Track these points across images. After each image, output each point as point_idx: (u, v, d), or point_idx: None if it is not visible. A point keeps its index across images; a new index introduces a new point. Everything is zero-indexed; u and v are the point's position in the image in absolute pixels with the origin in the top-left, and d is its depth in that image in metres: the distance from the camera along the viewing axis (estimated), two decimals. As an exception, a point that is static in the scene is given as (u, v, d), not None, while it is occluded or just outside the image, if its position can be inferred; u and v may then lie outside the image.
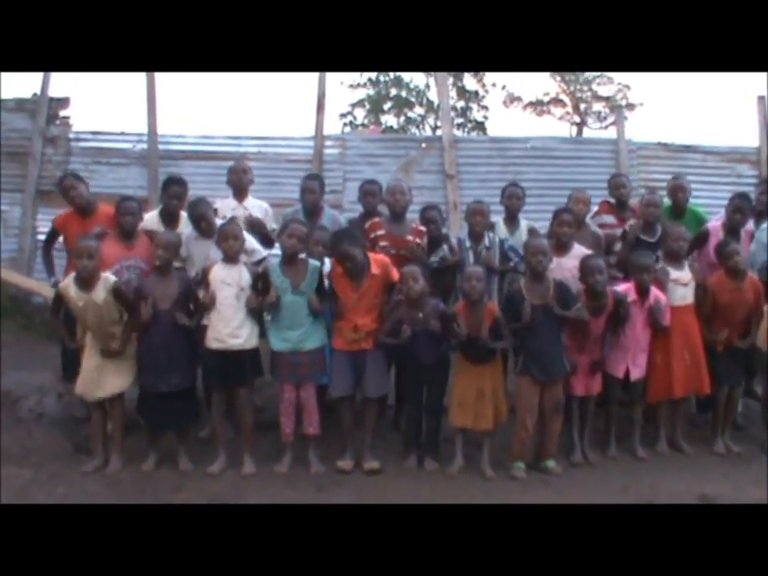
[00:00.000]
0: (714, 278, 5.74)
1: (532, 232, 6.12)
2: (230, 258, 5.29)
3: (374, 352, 5.36)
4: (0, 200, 8.87)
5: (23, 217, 8.86)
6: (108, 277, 5.23)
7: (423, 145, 9.16)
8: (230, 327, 5.25)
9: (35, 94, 9.36)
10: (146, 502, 4.76)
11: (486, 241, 5.88)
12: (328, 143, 8.96)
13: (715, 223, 6.25)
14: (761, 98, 9.20)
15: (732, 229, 6.08)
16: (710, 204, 8.49)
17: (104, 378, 5.27)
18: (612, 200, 6.57)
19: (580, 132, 24.10)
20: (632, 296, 5.50)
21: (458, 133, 20.25)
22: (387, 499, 4.84)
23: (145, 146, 8.87)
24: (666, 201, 6.47)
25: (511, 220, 6.22)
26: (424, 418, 5.54)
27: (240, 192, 6.29)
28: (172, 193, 5.97)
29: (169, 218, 5.96)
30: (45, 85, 8.99)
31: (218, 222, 5.66)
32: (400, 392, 5.96)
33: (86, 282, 5.14)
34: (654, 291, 5.55)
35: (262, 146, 8.95)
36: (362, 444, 5.43)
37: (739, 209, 6.09)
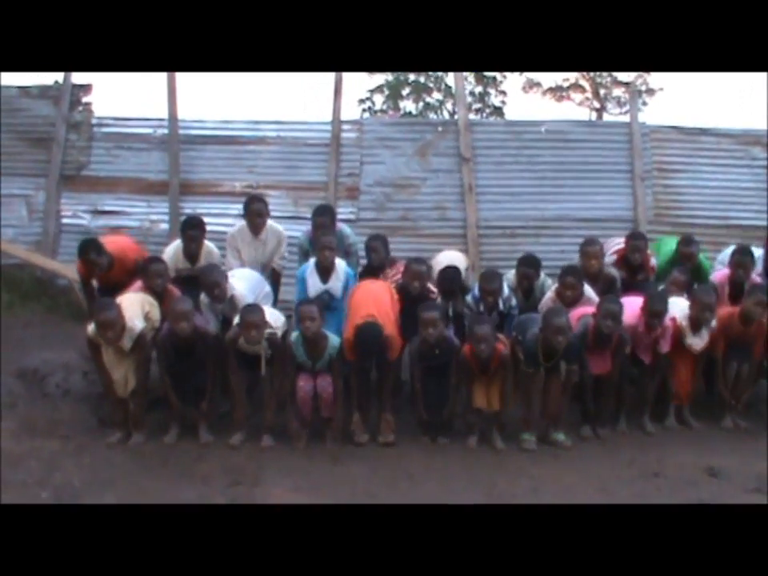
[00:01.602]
0: (727, 313, 5.86)
1: (543, 292, 6.17)
2: (253, 344, 5.42)
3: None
4: (19, 184, 9.06)
5: (47, 201, 9.03)
6: (133, 327, 5.35)
7: (439, 128, 9.19)
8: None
9: (57, 82, 9.53)
10: (168, 472, 4.95)
11: (501, 304, 5.93)
12: (345, 127, 9.04)
13: (721, 274, 6.32)
14: (776, 81, 9.21)
15: (737, 283, 6.18)
16: (724, 186, 8.63)
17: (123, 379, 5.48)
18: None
19: (600, 117, 23.98)
20: (640, 328, 5.64)
21: (475, 117, 20.36)
22: (401, 469, 5.01)
23: (165, 130, 9.00)
24: (672, 244, 6.56)
25: (526, 294, 6.29)
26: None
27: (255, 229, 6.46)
28: (189, 237, 6.25)
29: (191, 257, 6.29)
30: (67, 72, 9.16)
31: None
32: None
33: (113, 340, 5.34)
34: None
35: (280, 130, 9.06)
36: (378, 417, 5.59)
37: (741, 264, 6.16)
